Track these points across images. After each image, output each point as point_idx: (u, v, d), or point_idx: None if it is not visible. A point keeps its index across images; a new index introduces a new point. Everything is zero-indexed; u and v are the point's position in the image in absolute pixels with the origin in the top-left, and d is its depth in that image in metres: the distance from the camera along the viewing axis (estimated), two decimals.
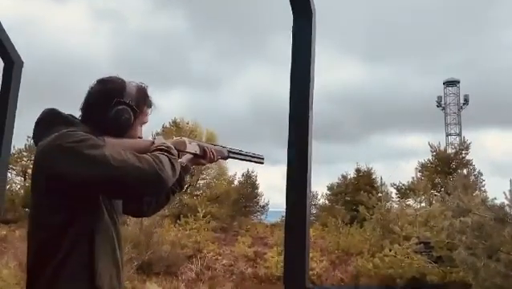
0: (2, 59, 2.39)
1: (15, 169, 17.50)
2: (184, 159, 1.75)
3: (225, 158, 1.84)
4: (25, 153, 17.66)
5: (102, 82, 1.53)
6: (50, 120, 1.45)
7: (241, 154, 1.88)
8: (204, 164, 1.86)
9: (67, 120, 1.45)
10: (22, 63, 2.44)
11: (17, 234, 12.08)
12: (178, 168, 1.46)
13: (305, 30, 1.66)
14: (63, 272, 1.30)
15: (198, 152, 1.75)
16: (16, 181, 17.87)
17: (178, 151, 1.65)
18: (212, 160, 1.80)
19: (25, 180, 17.55)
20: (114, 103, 1.48)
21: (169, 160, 1.41)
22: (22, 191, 16.93)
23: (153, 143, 1.55)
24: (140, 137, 1.59)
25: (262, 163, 1.90)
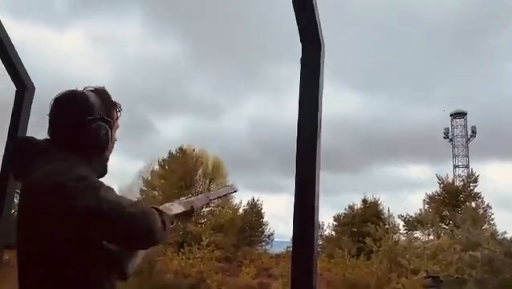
0: (15, 83, 2.40)
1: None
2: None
3: (207, 205, 1.91)
4: None
5: (64, 102, 1.42)
6: (29, 152, 1.37)
7: (219, 197, 1.98)
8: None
9: (51, 155, 1.35)
10: (34, 88, 2.45)
11: None
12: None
13: (314, 61, 1.67)
14: None
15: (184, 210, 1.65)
16: None
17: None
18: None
19: None
20: (87, 123, 1.37)
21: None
22: None
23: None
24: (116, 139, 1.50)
25: (237, 190, 2.04)
